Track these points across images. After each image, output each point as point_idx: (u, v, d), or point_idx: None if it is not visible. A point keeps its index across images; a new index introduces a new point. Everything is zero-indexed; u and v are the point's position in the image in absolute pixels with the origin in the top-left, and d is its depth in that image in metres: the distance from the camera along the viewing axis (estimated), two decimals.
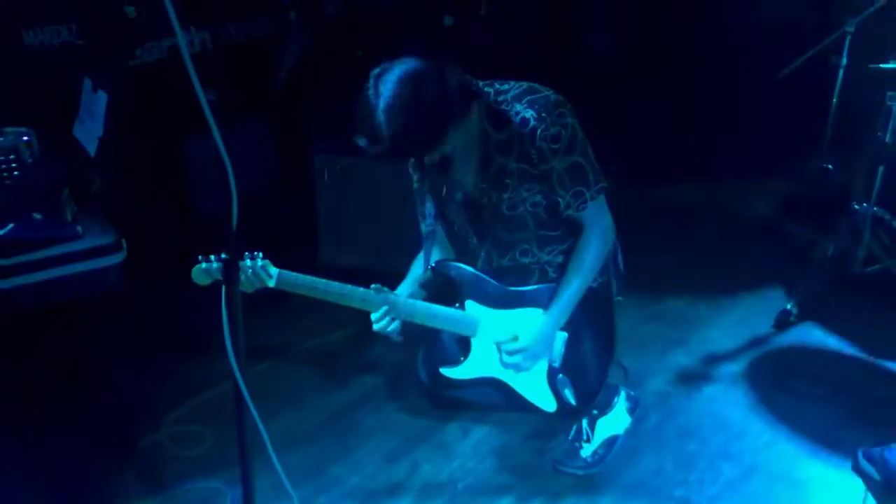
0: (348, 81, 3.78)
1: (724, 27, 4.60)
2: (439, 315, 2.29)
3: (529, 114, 2.10)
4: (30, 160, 2.73)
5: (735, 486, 2.40)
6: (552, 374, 2.31)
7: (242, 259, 2.06)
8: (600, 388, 2.36)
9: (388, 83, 1.94)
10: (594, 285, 2.27)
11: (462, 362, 2.34)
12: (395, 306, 2.22)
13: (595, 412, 2.44)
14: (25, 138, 2.74)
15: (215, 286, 2.11)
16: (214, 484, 2.40)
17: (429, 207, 2.35)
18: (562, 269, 2.28)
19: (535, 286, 2.29)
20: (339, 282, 2.21)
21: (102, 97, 2.89)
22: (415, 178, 2.38)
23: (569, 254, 2.27)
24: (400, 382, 2.83)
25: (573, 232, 2.25)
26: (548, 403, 2.33)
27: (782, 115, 4.21)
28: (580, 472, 2.43)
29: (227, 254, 1.62)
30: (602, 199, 2.23)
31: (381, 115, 1.93)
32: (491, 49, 3.60)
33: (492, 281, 2.29)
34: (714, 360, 3.00)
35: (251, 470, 1.85)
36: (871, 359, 3.00)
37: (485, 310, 2.29)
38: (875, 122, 3.18)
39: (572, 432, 2.47)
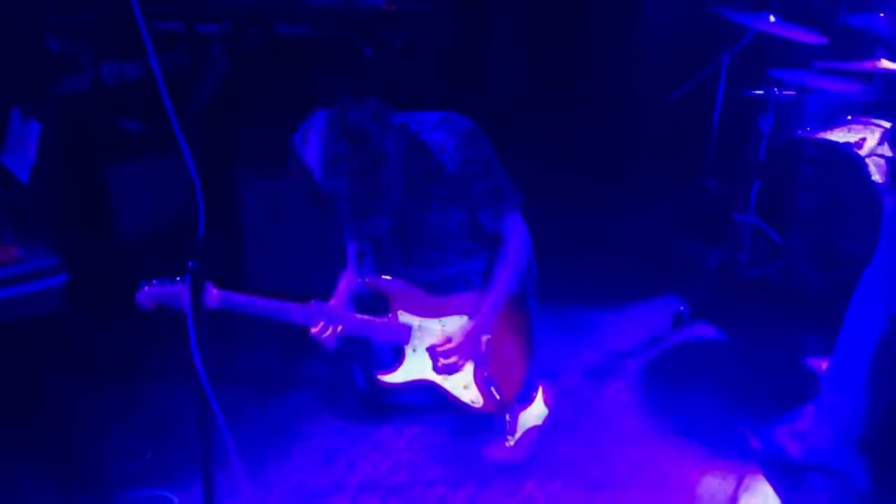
0: (269, 109, 3.95)
1: (614, 60, 4.99)
2: (374, 326, 2.48)
3: (449, 141, 2.32)
4: None
5: (642, 465, 2.67)
6: (479, 373, 2.53)
7: (180, 276, 2.17)
8: (522, 382, 2.59)
9: (311, 136, 2.16)
10: (514, 288, 2.51)
11: (397, 368, 2.53)
12: (333, 319, 2.39)
13: (517, 405, 2.67)
14: None
15: (155, 312, 2.25)
16: (161, 491, 2.51)
17: (358, 232, 2.54)
18: (483, 275, 2.51)
19: (460, 293, 2.51)
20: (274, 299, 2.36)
21: (34, 126, 2.96)
22: (344, 207, 2.55)
23: (490, 260, 2.49)
24: (335, 393, 3.00)
25: (493, 241, 2.48)
26: (476, 399, 2.54)
27: (669, 139, 4.59)
28: (506, 460, 2.66)
29: (193, 262, 1.76)
30: (518, 213, 2.48)
31: (312, 167, 2.15)
32: (407, 80, 3.83)
33: (420, 292, 2.50)
34: (618, 357, 3.30)
35: (212, 471, 1.98)
36: (753, 351, 3.35)
37: (417, 319, 2.49)
38: (750, 142, 3.58)
39: (497, 425, 2.70)
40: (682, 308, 3.55)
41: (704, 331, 3.51)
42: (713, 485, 2.59)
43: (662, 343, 3.43)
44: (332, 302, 2.48)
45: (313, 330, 2.36)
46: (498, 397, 2.54)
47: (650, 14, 4.92)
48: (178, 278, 2.26)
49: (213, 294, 2.26)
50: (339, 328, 2.38)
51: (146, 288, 2.22)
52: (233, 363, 3.20)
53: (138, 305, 2.25)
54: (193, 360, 1.84)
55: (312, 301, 2.40)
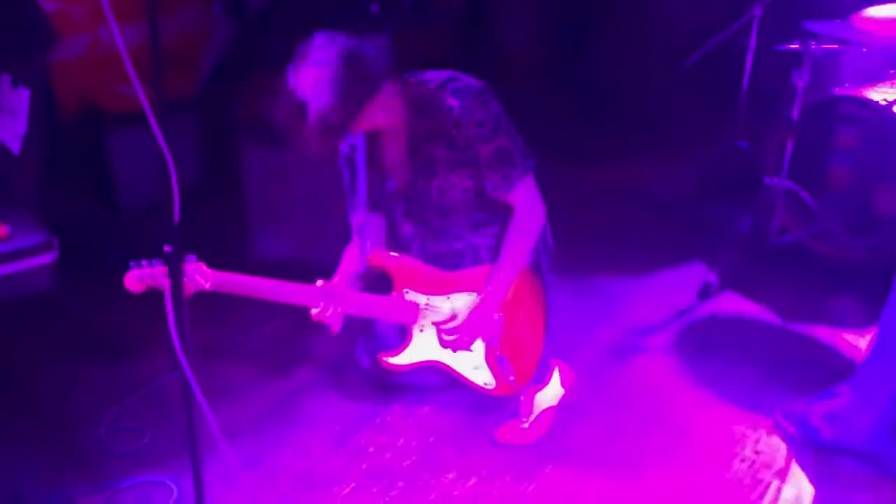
0: (275, 74, 3.78)
1: (639, 10, 4.75)
2: (379, 305, 2.33)
3: (453, 101, 2.15)
4: None
5: (663, 451, 2.52)
6: (490, 353, 2.38)
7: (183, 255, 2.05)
8: (537, 364, 2.44)
9: (306, 68, 2.01)
10: (527, 263, 2.35)
11: (403, 349, 2.39)
12: (335, 299, 2.25)
13: (532, 386, 2.52)
14: None
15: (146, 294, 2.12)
16: (160, 478, 2.40)
17: (360, 199, 2.39)
18: (494, 251, 2.35)
19: (468, 269, 2.36)
20: (273, 279, 2.22)
21: (24, 93, 2.83)
22: (344, 172, 2.42)
23: (500, 235, 2.33)
24: (340, 370, 2.87)
25: (504, 213, 2.32)
26: (488, 381, 2.40)
27: (696, 96, 4.37)
28: (520, 445, 2.53)
29: (171, 246, 1.63)
30: (530, 179, 2.29)
31: (303, 101, 1.98)
32: (415, 38, 3.65)
33: (427, 268, 2.34)
34: (640, 332, 3.13)
35: (200, 460, 1.88)
36: (786, 324, 3.18)
37: (422, 297, 2.35)
38: (783, 100, 3.36)
39: (511, 407, 2.56)
40: (709, 278, 3.37)
41: (733, 302, 3.32)
42: (742, 469, 2.44)
43: (688, 316, 3.24)
44: (334, 280, 2.34)
45: (313, 312, 2.22)
46: (511, 378, 2.40)
47: None
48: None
49: (208, 275, 2.13)
50: (341, 309, 2.24)
51: (135, 269, 2.09)
52: (233, 339, 3.07)
53: (127, 288, 2.11)
54: (175, 347, 1.71)
55: (317, 281, 2.25)
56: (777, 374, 2.85)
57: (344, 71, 1.99)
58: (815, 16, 3.47)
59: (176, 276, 1.65)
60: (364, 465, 2.47)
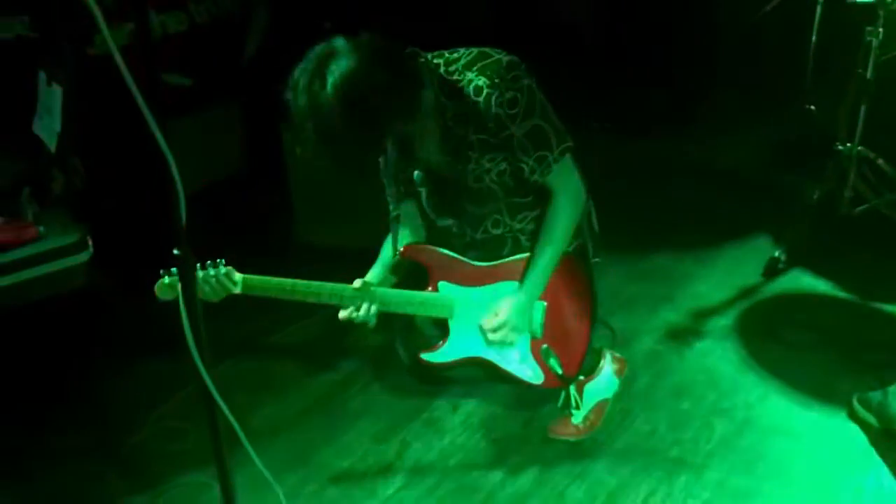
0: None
1: None
2: (414, 301, 2.21)
3: (482, 81, 1.99)
4: None
5: (730, 443, 2.37)
6: (535, 346, 2.25)
7: (201, 263, 1.96)
8: (585, 353, 2.30)
9: (331, 71, 1.81)
10: (569, 250, 2.21)
11: (442, 346, 2.27)
12: (370, 297, 2.14)
13: (582, 378, 2.39)
14: None
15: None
16: (202, 478, 2.35)
17: (394, 190, 2.27)
18: (534, 236, 2.21)
19: (507, 259, 2.23)
20: (319, 274, 2.13)
21: (57, 92, 2.80)
22: (380, 161, 2.30)
23: (541, 220, 2.20)
24: (382, 363, 2.78)
25: (543, 196, 2.17)
26: (535, 376, 2.27)
27: (761, 57, 4.11)
28: (572, 440, 2.40)
29: (177, 249, 1.55)
30: (568, 160, 2.13)
31: (329, 105, 1.80)
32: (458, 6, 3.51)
33: (462, 259, 2.22)
34: (703, 315, 2.95)
35: (228, 467, 1.81)
36: (862, 301, 2.97)
37: (459, 289, 2.22)
38: (855, 59, 3.11)
39: (561, 400, 2.42)
40: (776, 253, 3.16)
41: (803, 279, 3.11)
42: (815, 461, 2.26)
43: (754, 295, 3.04)
44: (371, 275, 2.23)
45: (341, 314, 2.12)
46: (559, 371, 2.26)
47: None
48: (197, 264, 2.04)
49: (236, 280, 2.04)
50: (373, 307, 2.13)
51: (165, 277, 2.01)
52: (268, 337, 2.99)
53: (157, 296, 2.04)
54: (192, 355, 1.63)
55: (356, 280, 2.15)
56: (853, 357, 2.65)
57: (370, 77, 1.81)
58: None
59: (187, 280, 1.56)
60: (410, 464, 2.38)
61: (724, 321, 2.91)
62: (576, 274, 2.25)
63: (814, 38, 3.63)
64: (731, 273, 3.19)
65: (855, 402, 2.43)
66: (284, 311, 3.00)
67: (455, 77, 2.02)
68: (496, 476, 2.32)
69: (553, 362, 2.25)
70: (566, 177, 2.13)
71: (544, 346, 2.24)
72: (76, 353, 2.66)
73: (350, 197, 3.30)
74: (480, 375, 2.37)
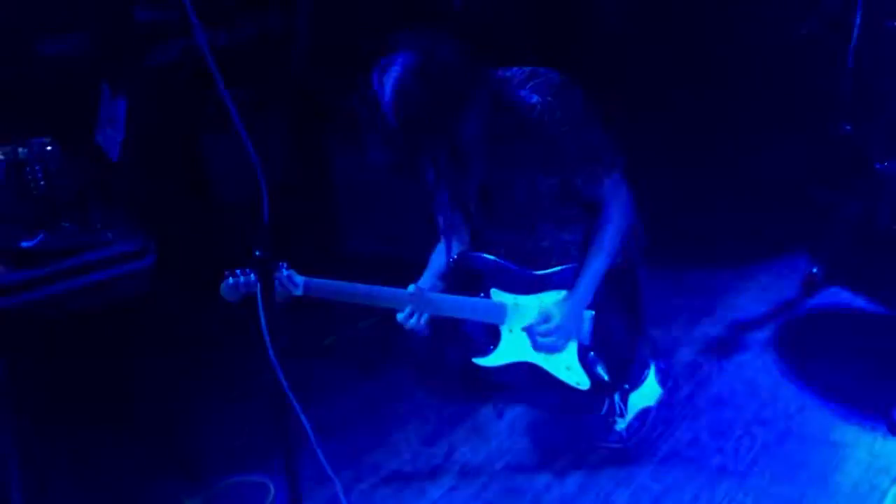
0: (357, 70, 3.81)
1: None
2: (467, 307, 2.29)
3: (535, 98, 2.08)
4: (54, 170, 2.77)
5: (771, 452, 2.42)
6: (583, 353, 2.32)
7: (276, 261, 2.05)
8: (631, 361, 2.37)
9: (391, 76, 1.92)
10: (618, 261, 2.28)
11: (493, 351, 2.34)
12: (424, 302, 2.22)
13: (626, 386, 2.45)
14: (49, 148, 2.77)
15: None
16: (257, 477, 2.44)
17: (445, 200, 2.36)
18: (583, 248, 2.28)
19: (557, 268, 2.29)
20: (363, 281, 2.20)
21: (121, 102, 2.91)
22: (429, 171, 2.38)
23: (589, 232, 2.27)
24: (430, 368, 2.86)
25: (591, 210, 2.25)
26: (581, 381, 2.34)
27: (800, 76, 4.15)
28: (616, 446, 2.46)
29: (260, 251, 1.64)
30: (618, 174, 2.21)
31: (388, 109, 1.92)
32: (501, 30, 3.59)
33: (513, 267, 2.29)
34: (742, 327, 3.01)
35: (295, 459, 1.90)
36: None
37: (510, 297, 2.30)
38: (893, 79, 3.16)
39: (605, 407, 2.49)
40: (814, 269, 3.20)
41: (840, 296, 3.16)
42: (856, 473, 2.31)
43: (792, 310, 3.10)
44: (422, 281, 2.31)
45: (399, 317, 2.21)
46: (606, 377, 2.33)
47: None
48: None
49: (298, 282, 2.13)
50: (430, 312, 2.22)
51: (230, 279, 2.10)
52: (319, 341, 3.09)
53: (223, 298, 2.13)
54: (268, 353, 1.72)
55: (409, 286, 2.24)
56: (892, 371, 2.68)
57: (430, 86, 1.91)
58: None
59: (266, 279, 1.66)
60: (457, 467, 2.45)
61: (763, 334, 2.96)
62: (623, 284, 2.31)
63: (850, 57, 3.68)
64: (769, 287, 3.24)
65: (895, 415, 2.47)
66: (332, 315, 3.14)
67: (508, 94, 2.11)
68: (542, 480, 2.38)
69: (600, 369, 2.32)
70: (616, 190, 2.21)
71: (591, 353, 2.31)
72: (134, 355, 2.76)
73: (395, 206, 3.39)
74: (527, 381, 2.44)
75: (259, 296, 1.71)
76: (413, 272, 2.34)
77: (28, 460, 2.33)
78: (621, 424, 2.47)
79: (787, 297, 3.17)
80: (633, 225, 2.32)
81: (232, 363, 2.91)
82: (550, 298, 2.28)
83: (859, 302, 3.11)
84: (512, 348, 2.33)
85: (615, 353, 2.34)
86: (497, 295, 2.29)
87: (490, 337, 2.35)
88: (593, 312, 2.29)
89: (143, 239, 2.56)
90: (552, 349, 2.28)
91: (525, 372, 2.37)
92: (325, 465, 1.99)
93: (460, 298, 2.28)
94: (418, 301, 2.20)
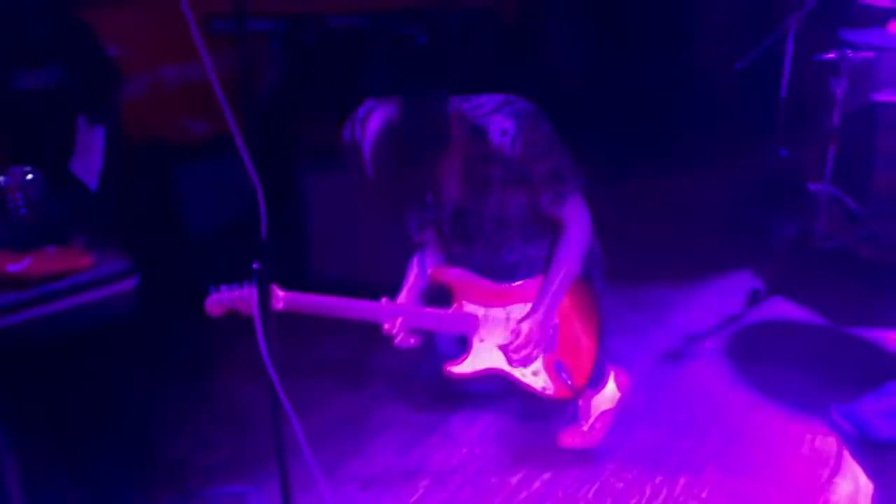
0: (328, 102, 3.96)
1: (679, 25, 4.84)
2: (440, 318, 2.45)
3: (508, 124, 2.25)
4: (35, 197, 2.86)
5: (723, 450, 2.59)
6: (548, 360, 2.47)
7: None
8: (593, 368, 2.53)
9: (370, 131, 2.09)
10: (579, 273, 2.43)
11: (464, 359, 2.49)
12: (395, 314, 2.37)
13: (589, 391, 2.62)
14: (30, 176, 2.86)
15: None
16: (239, 488, 2.54)
17: (416, 219, 2.51)
18: (547, 262, 2.43)
19: (523, 280, 2.45)
20: (341, 297, 2.35)
21: (100, 131, 3.02)
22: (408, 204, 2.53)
23: (552, 247, 2.43)
24: (404, 382, 2.99)
25: (555, 227, 2.42)
26: (547, 387, 2.48)
27: (737, 107, 4.44)
28: (580, 447, 2.62)
29: (258, 263, 1.77)
30: (579, 196, 2.40)
31: (370, 162, 2.09)
32: (464, 66, 3.78)
33: (483, 280, 2.45)
34: (693, 338, 3.21)
35: (286, 467, 1.99)
36: (835, 326, 3.23)
37: (482, 309, 2.45)
38: (822, 108, 3.43)
39: (569, 411, 2.65)
40: (757, 284, 3.44)
41: (782, 307, 3.39)
42: (799, 467, 2.50)
43: (738, 322, 3.32)
44: (400, 296, 2.46)
45: (385, 327, 2.35)
46: (569, 382, 2.49)
47: None
48: (244, 282, 2.27)
49: (280, 296, 2.26)
50: (407, 323, 2.36)
51: (214, 294, 2.23)
52: (299, 358, 3.19)
53: (207, 312, 2.26)
54: (264, 363, 1.83)
55: (382, 299, 2.39)
56: (830, 375, 2.90)
57: (409, 144, 2.08)
58: (852, 25, 3.55)
59: (263, 291, 1.78)
60: (432, 472, 2.58)
61: (713, 344, 3.16)
62: (584, 296, 2.49)
63: (783, 88, 3.95)
64: (717, 301, 3.46)
65: (834, 414, 2.66)
66: (311, 333, 3.25)
67: (480, 120, 2.28)
68: (512, 481, 2.52)
69: (564, 376, 2.48)
70: (577, 210, 2.39)
71: (556, 360, 2.48)
72: (117, 375, 2.84)
73: (364, 230, 3.51)
74: (495, 389, 2.60)
75: (256, 307, 1.81)
76: (384, 295, 2.46)
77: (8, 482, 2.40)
78: (585, 426, 2.63)
79: (733, 309, 3.39)
80: (593, 241, 2.49)
81: (213, 381, 3.01)
82: (517, 310, 2.44)
83: (799, 312, 3.34)
84: (482, 356, 2.47)
85: (577, 359, 2.49)
86: (468, 307, 2.45)
87: (461, 347, 2.50)
88: (557, 322, 2.46)
89: (128, 261, 2.66)
90: (525, 362, 2.43)
91: (494, 379, 2.51)
92: (315, 469, 2.08)
93: (436, 311, 2.43)
94: (390, 313, 2.35)
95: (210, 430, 2.80)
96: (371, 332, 2.44)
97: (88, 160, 3.08)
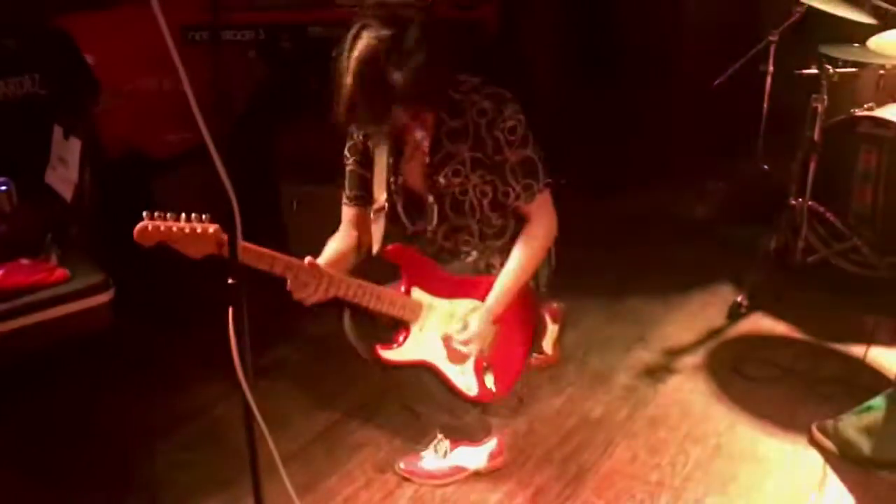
0: (307, 112, 3.93)
1: (659, 39, 4.86)
2: (384, 298, 2.25)
3: (488, 105, 2.20)
4: (10, 208, 2.82)
5: (704, 467, 2.57)
6: (479, 362, 2.39)
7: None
8: (517, 379, 2.49)
9: (361, 42, 2.01)
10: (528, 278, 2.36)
11: (399, 346, 2.33)
12: (334, 283, 2.15)
13: (462, 437, 2.56)
14: (4, 188, 2.82)
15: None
16: None
17: (361, 191, 2.39)
18: (502, 253, 2.36)
19: (475, 276, 2.37)
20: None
21: (75, 143, 2.97)
22: (350, 160, 2.41)
23: (506, 251, 2.35)
24: (381, 398, 2.96)
25: (515, 228, 2.37)
26: (470, 388, 2.40)
27: (717, 121, 4.45)
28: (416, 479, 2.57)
29: (232, 279, 1.73)
30: (548, 194, 2.33)
31: (352, 72, 2.01)
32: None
33: (438, 269, 2.34)
34: (674, 353, 3.19)
35: (260, 483, 1.95)
36: (816, 340, 3.23)
37: (428, 298, 2.32)
38: (803, 123, 3.44)
39: (434, 443, 2.62)
40: (738, 298, 3.43)
41: (763, 322, 3.38)
42: (781, 484, 2.49)
43: (720, 336, 3.31)
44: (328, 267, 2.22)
45: (308, 291, 2.12)
46: (493, 388, 2.43)
47: None
48: (182, 213, 1.94)
49: (223, 239, 1.94)
50: (339, 293, 2.17)
51: (147, 220, 1.89)
52: (275, 371, 3.16)
53: (136, 240, 1.92)
54: (240, 381, 1.78)
55: (305, 259, 2.13)
56: (811, 390, 2.89)
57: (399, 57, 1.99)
58: (832, 40, 3.57)
59: (239, 306, 1.74)
60: (410, 491, 2.54)
61: (693, 359, 3.15)
62: (526, 303, 2.43)
63: (765, 103, 3.97)
64: (698, 316, 3.45)
65: (814, 430, 2.63)
66: (286, 350, 3.23)
67: (459, 96, 2.22)
68: (494, 497, 2.50)
69: (489, 380, 2.42)
70: (545, 208, 2.34)
71: (485, 364, 2.41)
72: (93, 389, 2.80)
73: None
74: (422, 381, 2.42)
75: (231, 315, 1.75)
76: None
77: None
78: (433, 463, 2.60)
79: (714, 324, 3.38)
80: (553, 243, 2.42)
81: (189, 395, 2.97)
82: (462, 306, 2.35)
83: (780, 327, 3.33)
84: (418, 347, 2.34)
85: (506, 366, 2.45)
86: (417, 294, 2.32)
87: (398, 331, 2.35)
88: (496, 328, 2.38)
89: (102, 275, 2.62)
90: (464, 357, 2.35)
91: (424, 370, 2.38)
92: (291, 491, 2.04)
93: (378, 288, 2.25)
94: (313, 276, 2.12)
95: (186, 447, 2.75)
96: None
97: (64, 172, 3.03)
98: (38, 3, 3.43)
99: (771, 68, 3.84)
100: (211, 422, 2.84)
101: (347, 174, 2.44)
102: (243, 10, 3.83)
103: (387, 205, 2.35)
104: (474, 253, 2.41)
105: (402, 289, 2.31)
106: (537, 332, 2.46)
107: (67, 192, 2.98)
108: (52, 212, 2.88)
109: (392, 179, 2.35)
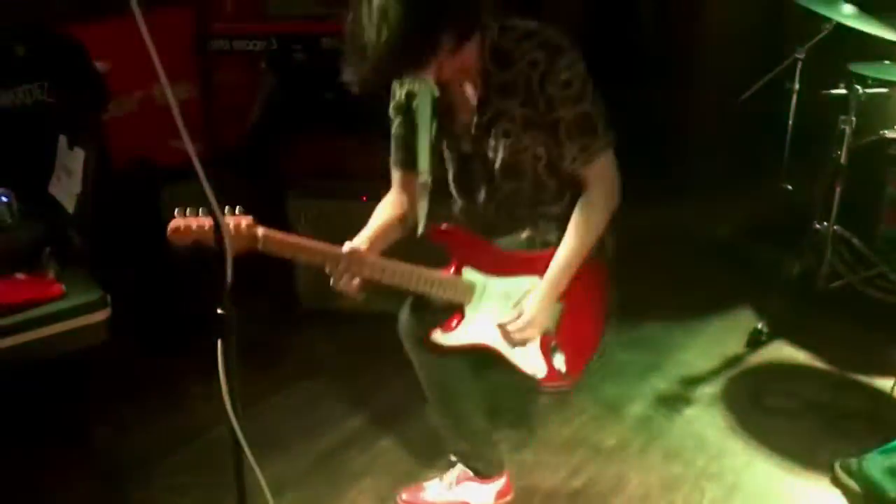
0: (319, 125, 3.86)
1: (681, 56, 4.75)
2: (431, 281, 2.08)
3: (541, 55, 1.93)
4: (10, 220, 2.76)
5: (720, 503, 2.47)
6: (546, 343, 2.19)
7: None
8: (591, 358, 2.27)
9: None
10: (594, 254, 2.12)
11: (455, 329, 2.14)
12: (360, 265, 2.00)
13: (476, 473, 2.44)
14: (4, 199, 2.76)
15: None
16: None
17: (411, 154, 2.18)
18: (557, 223, 2.13)
19: (531, 252, 2.15)
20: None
21: (79, 154, 2.91)
22: (395, 122, 2.21)
23: (564, 222, 2.11)
24: (384, 422, 2.87)
25: (573, 193, 2.10)
26: (538, 370, 2.21)
27: (742, 139, 4.34)
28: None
29: (222, 309, 1.65)
30: (610, 153, 2.07)
31: (375, 14, 1.74)
32: None
33: (490, 246, 2.14)
34: (691, 382, 3.08)
35: None
36: (840, 372, 3.10)
37: (482, 277, 2.12)
38: (829, 144, 3.31)
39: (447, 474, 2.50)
40: (759, 325, 3.31)
41: (784, 350, 3.25)
42: None
43: (738, 365, 3.18)
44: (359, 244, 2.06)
45: (338, 286, 2.01)
46: (563, 370, 2.21)
47: (718, 9, 4.68)
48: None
49: (257, 235, 1.94)
50: (379, 276, 2.02)
51: (179, 219, 1.85)
52: (277, 392, 3.07)
53: (170, 239, 1.89)
54: (225, 403, 1.70)
55: (346, 244, 2.01)
56: (834, 426, 2.77)
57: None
58: (861, 58, 3.44)
59: (228, 334, 1.66)
60: None
61: (711, 389, 3.03)
62: (595, 274, 2.19)
63: (790, 122, 3.85)
64: (716, 343, 3.33)
65: (837, 468, 2.52)
66: (287, 370, 3.15)
67: (509, 45, 1.95)
68: None
69: (559, 361, 2.21)
70: (606, 170, 2.07)
71: (553, 343, 2.20)
72: (89, 409, 2.73)
73: None
74: (482, 360, 2.26)
75: (219, 345, 1.67)
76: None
77: None
78: (439, 492, 2.48)
79: (732, 352, 3.26)
80: (617, 207, 2.15)
81: (184, 418, 2.90)
82: (519, 284, 2.14)
83: (802, 356, 3.21)
84: (475, 329, 2.16)
85: (578, 344, 2.23)
86: (469, 273, 2.11)
87: (453, 313, 2.16)
88: (562, 305, 2.17)
89: (99, 292, 2.55)
90: (523, 343, 2.16)
91: (482, 353, 2.21)
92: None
93: (426, 271, 2.08)
94: (358, 263, 2.00)
95: (180, 471, 2.66)
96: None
97: (68, 183, 2.98)
98: (48, 11, 3.39)
99: (797, 86, 3.72)
100: (208, 444, 2.76)
101: (393, 136, 2.22)
102: (256, 19, 3.77)
103: (430, 178, 2.14)
104: (528, 230, 2.18)
105: (452, 270, 2.12)
106: (611, 304, 2.24)
107: (70, 204, 2.92)
108: (53, 224, 2.82)
109: (437, 145, 2.13)
